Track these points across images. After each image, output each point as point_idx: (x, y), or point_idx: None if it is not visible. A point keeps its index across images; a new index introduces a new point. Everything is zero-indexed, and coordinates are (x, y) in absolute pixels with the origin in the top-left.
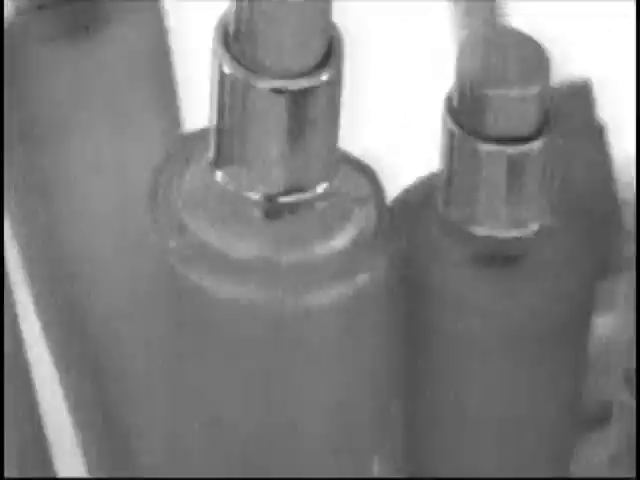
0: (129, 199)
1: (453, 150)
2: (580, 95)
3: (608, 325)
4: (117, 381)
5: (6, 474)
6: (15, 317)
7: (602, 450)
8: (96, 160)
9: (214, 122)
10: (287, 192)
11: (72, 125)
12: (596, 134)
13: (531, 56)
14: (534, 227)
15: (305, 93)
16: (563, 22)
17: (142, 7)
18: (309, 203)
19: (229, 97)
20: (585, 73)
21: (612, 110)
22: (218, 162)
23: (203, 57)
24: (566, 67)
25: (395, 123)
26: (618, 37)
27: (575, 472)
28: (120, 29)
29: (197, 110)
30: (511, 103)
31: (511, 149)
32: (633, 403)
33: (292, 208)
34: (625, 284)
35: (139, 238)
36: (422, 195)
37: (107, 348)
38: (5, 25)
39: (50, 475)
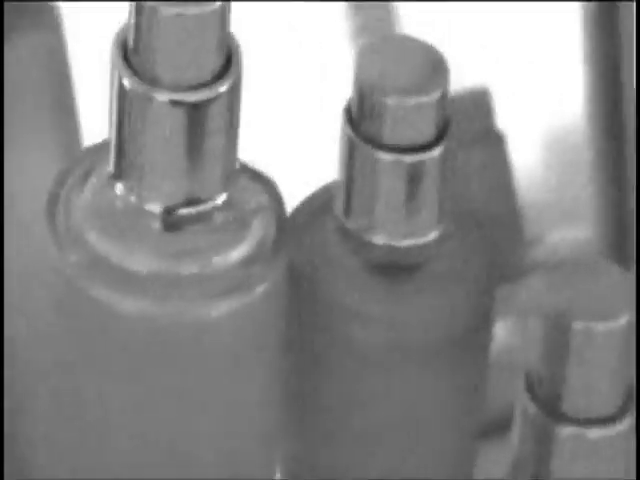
0: (25, 212)
1: (351, 159)
2: (479, 103)
3: (509, 330)
4: (12, 395)
5: None
6: None
7: (504, 455)
8: None
9: (113, 135)
10: (186, 204)
11: None
12: (495, 142)
13: (429, 64)
14: (431, 236)
15: (203, 105)
16: (462, 29)
17: (36, 21)
18: (208, 214)
19: (128, 109)
20: (485, 81)
21: (511, 118)
22: (118, 174)
23: (101, 69)
24: (465, 75)
25: (292, 132)
26: (517, 45)
27: (478, 477)
28: (14, 45)
29: (96, 122)
30: (408, 111)
31: (409, 158)
32: (533, 408)
33: (191, 220)
34: (525, 290)
35: (37, 251)
36: (321, 204)
37: (6, 362)
38: None
39: None
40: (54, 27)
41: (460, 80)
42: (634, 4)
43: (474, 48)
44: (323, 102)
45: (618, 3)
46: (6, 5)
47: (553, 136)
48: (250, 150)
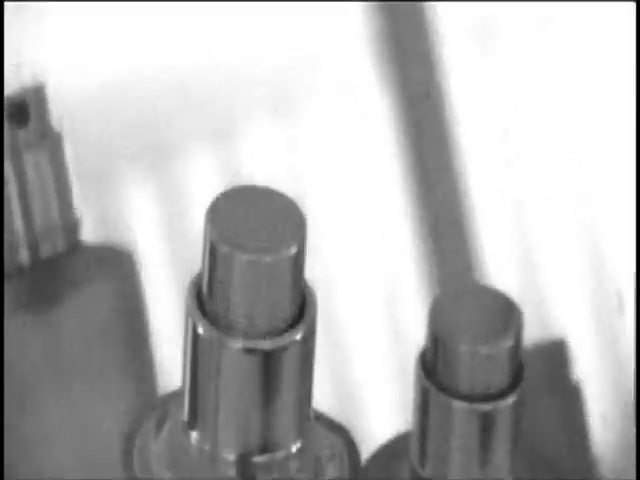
0: (101, 458)
1: (426, 406)
2: (556, 353)
3: None
4: None
5: None
6: None
7: None
8: (69, 420)
9: (187, 381)
10: (261, 451)
11: (46, 386)
12: (571, 393)
13: (502, 312)
14: None
15: (277, 352)
16: (540, 280)
17: (116, 269)
18: (283, 462)
19: (201, 356)
20: (562, 332)
21: (588, 370)
22: (192, 422)
23: (177, 315)
24: (543, 325)
25: (365, 378)
26: (594, 300)
27: None
28: (92, 292)
29: (171, 369)
30: (482, 359)
31: (483, 406)
32: None
33: (266, 467)
34: None
35: None
36: (396, 451)
37: None
38: None
39: None
40: (131, 275)
41: (537, 330)
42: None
43: (552, 299)
44: (398, 346)
45: None
46: (84, 252)
47: (628, 387)
48: (324, 396)
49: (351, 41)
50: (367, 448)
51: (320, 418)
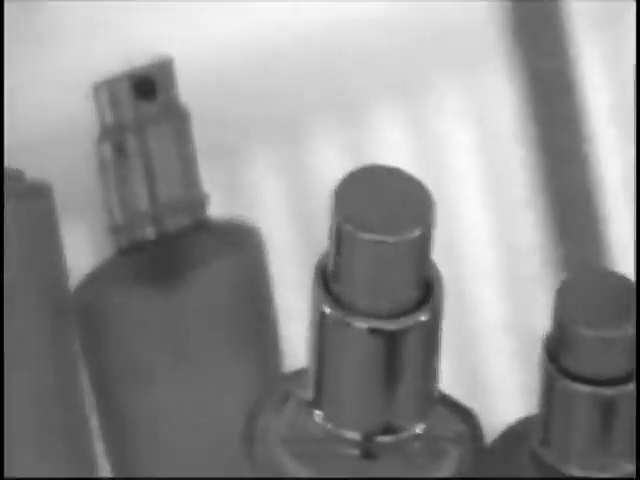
0: (222, 436)
1: (550, 391)
2: None
3: None
4: None
5: None
6: None
7: None
8: (191, 397)
9: (312, 361)
10: (385, 432)
11: (160, 366)
12: None
13: (626, 298)
14: (627, 469)
15: (402, 333)
16: None
17: (241, 245)
18: (406, 443)
19: (326, 336)
20: None
21: None
22: (316, 401)
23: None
24: None
25: (490, 363)
26: None
27: None
28: (217, 268)
29: (295, 347)
30: (607, 344)
31: (606, 390)
32: None
33: (389, 448)
34: None
35: (229, 473)
36: (520, 434)
37: None
38: (93, 268)
39: None
40: (256, 251)
41: None
42: (634, 4)
43: None
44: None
45: None
46: (209, 228)
47: None
48: (449, 378)
49: (479, 28)
50: (490, 431)
51: (445, 400)
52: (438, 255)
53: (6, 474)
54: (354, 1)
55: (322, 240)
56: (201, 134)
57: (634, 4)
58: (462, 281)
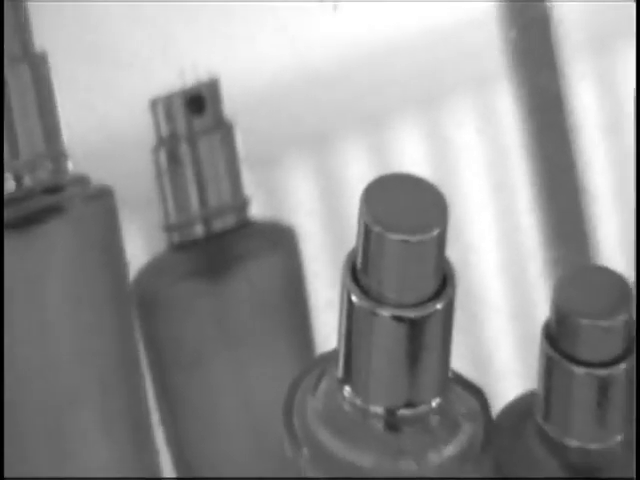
0: (262, 416)
1: (550, 371)
2: None
3: None
4: None
5: None
6: None
7: None
8: (237, 385)
9: (342, 344)
10: (405, 405)
11: (210, 350)
12: None
13: (617, 290)
14: (617, 439)
15: (422, 320)
16: None
17: (280, 244)
18: (425, 416)
19: (355, 323)
20: None
21: None
22: (345, 379)
23: (333, 286)
24: None
25: (495, 343)
26: None
27: None
28: (259, 264)
29: (329, 335)
30: (600, 332)
31: (600, 371)
32: None
33: (410, 420)
34: None
35: (272, 447)
36: (524, 409)
37: None
38: (149, 262)
39: None
40: (294, 249)
41: None
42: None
43: None
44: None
45: None
46: (252, 228)
47: None
48: (460, 359)
49: (488, 46)
50: (494, 406)
51: (457, 378)
52: (451, 252)
53: (76, 461)
54: (385, 27)
55: (351, 238)
56: (245, 144)
57: (633, 11)
58: (472, 275)
